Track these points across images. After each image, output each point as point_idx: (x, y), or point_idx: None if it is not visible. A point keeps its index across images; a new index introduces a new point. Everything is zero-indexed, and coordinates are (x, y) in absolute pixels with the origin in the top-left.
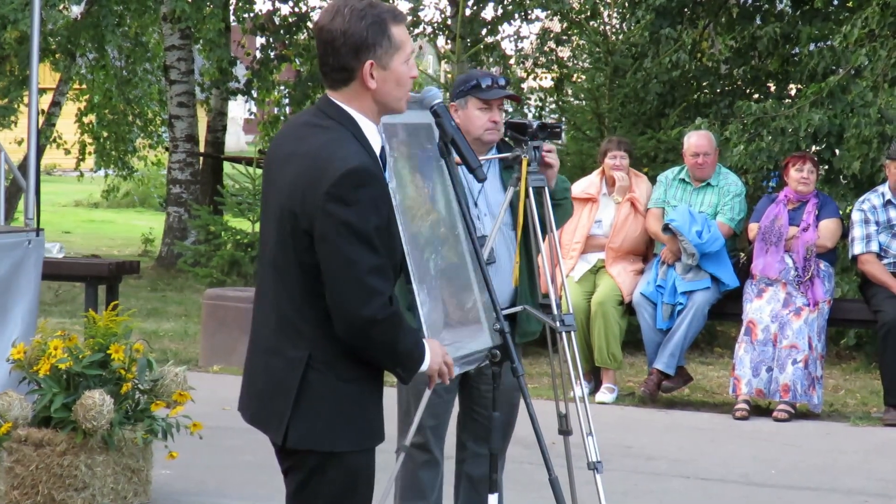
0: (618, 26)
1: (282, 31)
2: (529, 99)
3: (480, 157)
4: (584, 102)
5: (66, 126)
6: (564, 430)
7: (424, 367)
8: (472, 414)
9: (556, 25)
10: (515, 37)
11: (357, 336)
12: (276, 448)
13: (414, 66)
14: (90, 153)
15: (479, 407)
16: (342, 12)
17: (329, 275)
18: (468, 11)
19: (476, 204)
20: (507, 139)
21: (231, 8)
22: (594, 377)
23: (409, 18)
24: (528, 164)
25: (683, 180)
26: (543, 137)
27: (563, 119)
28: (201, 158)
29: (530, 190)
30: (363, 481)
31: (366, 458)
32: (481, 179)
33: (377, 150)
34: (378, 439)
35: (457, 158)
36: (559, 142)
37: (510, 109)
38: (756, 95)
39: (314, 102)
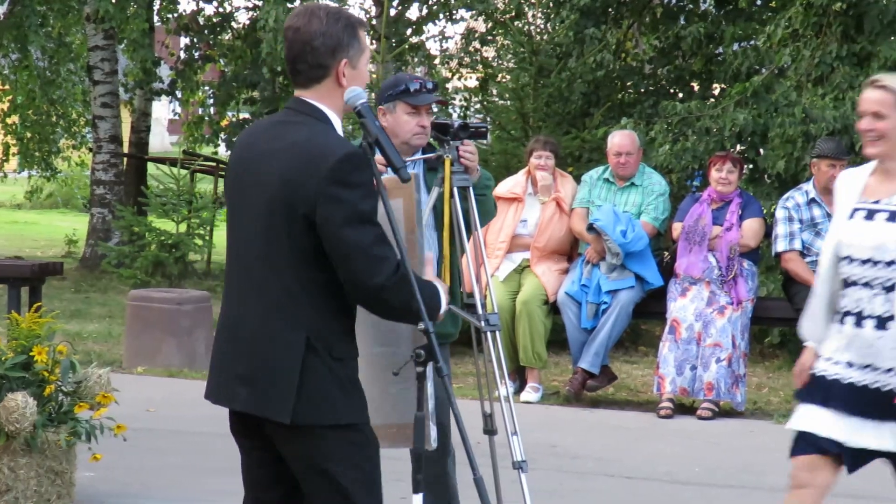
0: (542, 26)
1: (206, 32)
2: (454, 99)
3: (405, 159)
4: (508, 102)
5: None
6: (489, 430)
7: (442, 311)
8: None
9: (480, 25)
10: (440, 37)
11: (374, 303)
12: (277, 429)
13: None
14: (14, 154)
15: None
16: (318, 15)
17: (338, 253)
18: (393, 11)
19: None
20: (431, 140)
21: (155, 8)
22: (519, 376)
23: None
24: (452, 164)
25: (608, 180)
26: (464, 137)
27: (489, 119)
28: (125, 159)
29: (455, 190)
30: (374, 451)
31: (369, 429)
32: (405, 180)
33: None
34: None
35: (381, 159)
36: (484, 142)
37: (435, 110)
38: (680, 95)
39: (238, 102)
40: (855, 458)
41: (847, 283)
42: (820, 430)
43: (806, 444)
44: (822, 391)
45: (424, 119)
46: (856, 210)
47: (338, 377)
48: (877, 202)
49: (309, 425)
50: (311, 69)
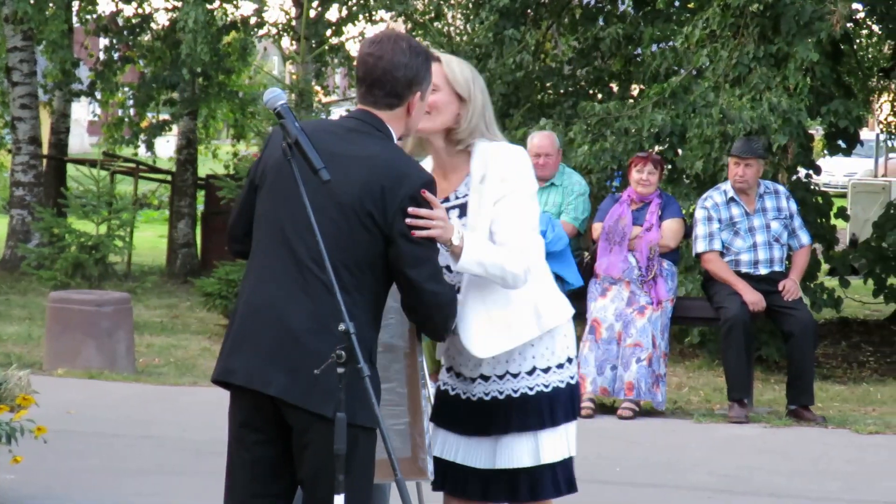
0: (462, 27)
1: (125, 33)
2: None
3: None
4: None
5: None
6: None
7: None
8: None
9: (400, 26)
10: (360, 38)
11: (427, 307)
12: (313, 421)
13: None
14: None
15: None
16: (401, 46)
17: (412, 261)
18: (313, 13)
19: None
20: None
21: (74, 9)
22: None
23: (254, 20)
24: None
25: None
26: None
27: None
28: (45, 160)
29: None
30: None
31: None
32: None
33: None
34: None
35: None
36: None
37: None
38: (599, 96)
39: (158, 104)
40: (468, 478)
41: None
42: (442, 454)
43: (442, 477)
44: (441, 407)
45: None
46: None
47: (374, 381)
48: (446, 200)
49: (348, 423)
50: (386, 97)
